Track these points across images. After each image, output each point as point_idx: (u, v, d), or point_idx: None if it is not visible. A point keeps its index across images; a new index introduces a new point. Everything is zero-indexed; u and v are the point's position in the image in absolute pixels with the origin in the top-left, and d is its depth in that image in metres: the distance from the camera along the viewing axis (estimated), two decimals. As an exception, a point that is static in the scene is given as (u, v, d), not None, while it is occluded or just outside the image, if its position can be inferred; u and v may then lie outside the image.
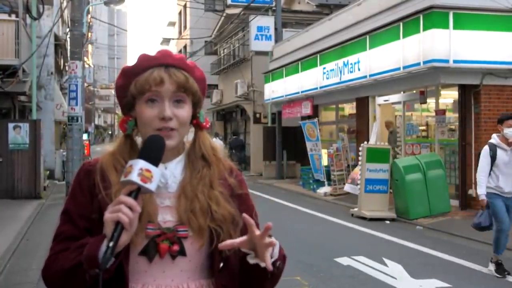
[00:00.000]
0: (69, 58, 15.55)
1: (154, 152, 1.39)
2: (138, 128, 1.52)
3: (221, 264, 1.52)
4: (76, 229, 1.46)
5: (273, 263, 1.42)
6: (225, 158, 1.62)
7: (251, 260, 1.41)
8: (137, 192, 1.33)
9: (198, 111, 1.56)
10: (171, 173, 1.51)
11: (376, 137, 13.80)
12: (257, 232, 1.36)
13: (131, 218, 1.31)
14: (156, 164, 1.37)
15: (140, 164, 1.34)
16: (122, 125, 1.54)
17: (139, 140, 1.56)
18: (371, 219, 10.89)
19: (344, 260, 7.31)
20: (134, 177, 1.32)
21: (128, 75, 1.52)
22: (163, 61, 1.49)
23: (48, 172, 18.15)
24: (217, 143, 1.79)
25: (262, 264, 1.39)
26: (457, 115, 11.85)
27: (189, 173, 1.52)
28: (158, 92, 1.46)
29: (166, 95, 1.46)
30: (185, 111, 1.49)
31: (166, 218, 1.48)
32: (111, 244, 1.29)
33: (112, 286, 1.41)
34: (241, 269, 1.48)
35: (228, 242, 1.41)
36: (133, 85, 1.49)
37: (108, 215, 1.32)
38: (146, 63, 1.50)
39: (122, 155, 1.51)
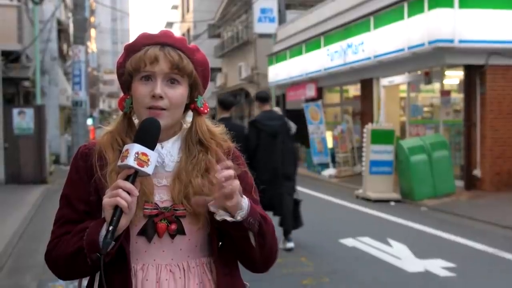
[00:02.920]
0: (72, 42, 15.54)
1: (150, 135, 1.39)
2: (133, 106, 1.51)
3: (220, 243, 1.52)
4: (75, 212, 1.48)
5: (245, 221, 1.39)
6: (225, 139, 1.60)
7: (218, 217, 1.39)
8: (134, 176, 1.35)
9: (196, 95, 1.54)
10: (167, 151, 1.51)
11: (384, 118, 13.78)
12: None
13: (129, 202, 1.33)
14: (152, 147, 1.38)
15: (136, 148, 1.35)
16: (120, 103, 1.55)
17: (136, 120, 1.56)
18: (376, 201, 10.90)
19: (348, 241, 7.34)
20: (131, 161, 1.33)
21: (127, 52, 1.52)
22: (160, 40, 1.49)
23: (53, 157, 18.24)
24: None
25: (228, 218, 1.38)
26: (462, 95, 11.79)
27: (185, 157, 1.52)
28: (152, 70, 1.45)
29: (160, 73, 1.45)
30: (178, 92, 1.47)
31: (164, 197, 1.48)
32: (110, 228, 1.31)
33: (114, 267, 1.42)
34: (225, 235, 1.48)
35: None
36: (129, 62, 1.48)
37: (106, 200, 1.33)
38: (144, 40, 1.50)
39: (120, 134, 1.52)
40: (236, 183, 1.36)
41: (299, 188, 7.82)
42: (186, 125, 1.58)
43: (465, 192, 11.22)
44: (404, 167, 10.94)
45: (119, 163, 1.36)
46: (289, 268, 6.08)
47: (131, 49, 1.50)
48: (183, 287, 1.47)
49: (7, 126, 13.69)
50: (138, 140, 1.38)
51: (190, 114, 1.60)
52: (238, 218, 1.38)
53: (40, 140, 13.98)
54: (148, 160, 1.35)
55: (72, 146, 14.29)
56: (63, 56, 24.08)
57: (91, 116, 34.18)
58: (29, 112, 13.96)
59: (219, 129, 1.59)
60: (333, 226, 8.71)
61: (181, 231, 1.46)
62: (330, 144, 15.75)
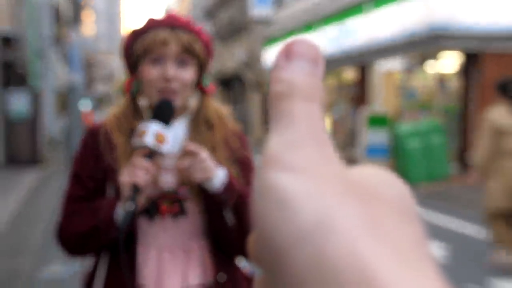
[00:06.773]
0: (67, 26, 15.42)
1: (166, 116, 1.43)
2: (143, 89, 1.53)
3: None
4: (85, 189, 1.52)
5: (216, 196, 1.44)
6: (233, 123, 1.62)
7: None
8: (150, 155, 1.39)
9: (203, 76, 1.56)
10: (173, 133, 1.52)
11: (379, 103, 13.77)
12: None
13: (147, 181, 1.37)
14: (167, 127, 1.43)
15: (153, 128, 1.39)
16: (127, 86, 1.57)
17: (142, 103, 1.58)
18: (371, 186, 10.92)
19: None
20: (149, 140, 1.38)
21: (135, 36, 1.53)
22: (169, 23, 1.50)
23: (48, 140, 18.18)
24: None
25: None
26: (458, 81, 11.77)
27: (192, 136, 1.54)
28: (163, 52, 1.47)
29: (170, 56, 1.47)
30: (188, 73, 1.49)
31: (168, 179, 1.51)
32: (131, 206, 1.37)
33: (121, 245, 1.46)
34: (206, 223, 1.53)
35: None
36: (138, 44, 1.50)
37: (125, 179, 1.37)
38: (152, 24, 1.51)
39: (126, 117, 1.54)
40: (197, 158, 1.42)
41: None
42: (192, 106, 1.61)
43: (460, 177, 11.25)
44: (399, 152, 10.96)
45: (135, 142, 1.41)
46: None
47: (139, 33, 1.52)
48: (184, 268, 1.49)
49: (3, 110, 13.63)
50: (155, 120, 1.42)
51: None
52: (209, 184, 1.43)
53: (35, 124, 13.93)
54: (164, 140, 1.40)
55: (68, 130, 14.22)
56: (58, 39, 23.93)
57: (86, 99, 34.07)
58: (25, 96, 13.89)
59: (226, 110, 1.62)
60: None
61: (183, 213, 1.49)
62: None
